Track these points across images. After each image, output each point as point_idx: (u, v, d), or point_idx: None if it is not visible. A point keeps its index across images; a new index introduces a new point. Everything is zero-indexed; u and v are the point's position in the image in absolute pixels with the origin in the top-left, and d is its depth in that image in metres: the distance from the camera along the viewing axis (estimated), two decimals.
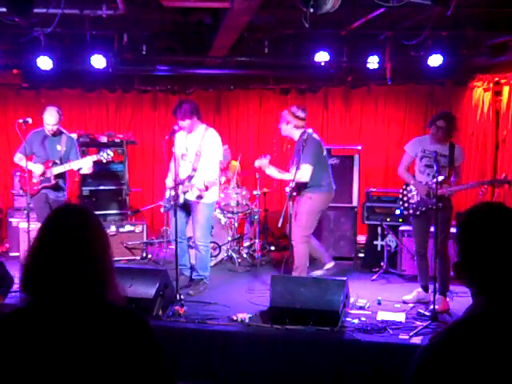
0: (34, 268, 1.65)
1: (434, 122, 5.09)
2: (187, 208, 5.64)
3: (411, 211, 5.27)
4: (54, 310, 1.61)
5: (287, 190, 5.49)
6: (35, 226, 5.85)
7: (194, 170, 5.54)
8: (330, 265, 5.90)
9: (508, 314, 1.45)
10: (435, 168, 4.83)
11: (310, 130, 5.59)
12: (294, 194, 5.60)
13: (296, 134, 5.60)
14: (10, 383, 1.55)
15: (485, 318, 1.46)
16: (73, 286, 1.62)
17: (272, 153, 8.58)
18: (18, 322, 1.62)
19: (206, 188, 5.39)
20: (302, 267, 5.57)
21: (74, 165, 5.88)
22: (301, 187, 5.59)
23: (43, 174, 5.78)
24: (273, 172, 5.67)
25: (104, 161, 6.04)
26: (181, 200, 5.43)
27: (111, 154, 6.02)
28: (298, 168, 5.39)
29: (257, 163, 5.68)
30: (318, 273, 5.83)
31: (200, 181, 5.43)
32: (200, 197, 5.50)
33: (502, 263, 1.48)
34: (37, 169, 5.77)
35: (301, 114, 5.57)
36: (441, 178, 4.92)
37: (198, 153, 5.52)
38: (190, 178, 5.53)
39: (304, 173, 5.42)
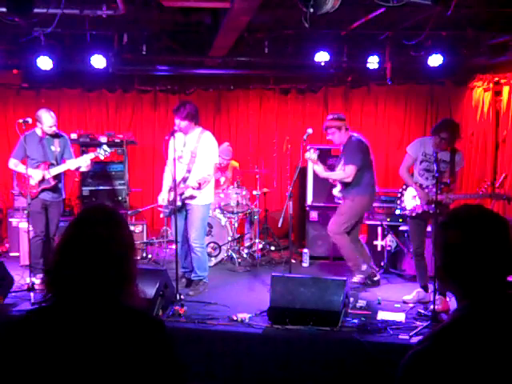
0: (58, 265, 1.66)
1: (438, 133, 5.06)
2: (185, 211, 5.64)
3: (408, 212, 5.29)
4: (71, 310, 1.62)
5: (335, 192, 5.91)
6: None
7: (189, 171, 5.56)
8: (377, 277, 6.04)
9: (491, 317, 1.45)
10: (435, 169, 4.83)
11: (355, 133, 5.84)
12: (341, 195, 5.88)
13: (346, 137, 5.79)
14: (23, 381, 1.56)
15: (468, 321, 1.46)
16: (93, 287, 1.62)
17: (272, 153, 8.63)
18: (35, 321, 1.63)
19: (199, 185, 5.38)
20: (353, 257, 5.82)
21: (71, 164, 5.84)
22: (345, 189, 5.80)
23: (43, 178, 5.72)
24: (320, 170, 5.84)
25: (102, 157, 5.95)
26: (178, 203, 5.43)
27: (108, 149, 5.92)
28: (343, 169, 5.67)
29: (307, 155, 5.72)
30: (355, 278, 5.91)
31: (193, 181, 5.44)
32: (193, 197, 5.50)
33: (482, 266, 1.48)
34: (36, 175, 5.69)
35: (342, 115, 5.86)
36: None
37: (194, 154, 5.53)
38: (184, 179, 5.54)
39: (348, 173, 5.64)
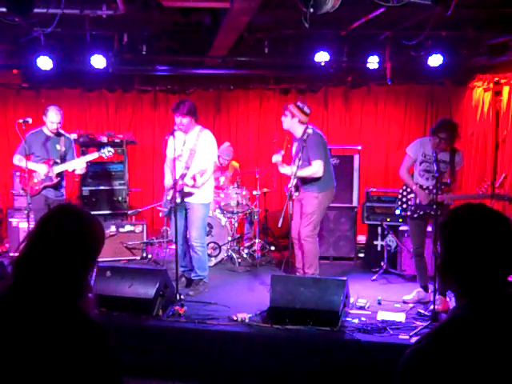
0: (20, 258, 1.70)
1: (436, 134, 5.05)
2: (185, 210, 5.64)
3: (409, 213, 5.29)
4: (18, 303, 1.63)
5: (290, 186, 5.54)
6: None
7: (187, 168, 5.55)
8: None
9: (491, 316, 1.45)
10: (435, 169, 4.84)
11: (310, 127, 5.60)
12: (296, 192, 5.64)
13: (299, 130, 5.57)
14: None
15: (467, 320, 1.46)
16: (42, 284, 1.64)
17: (272, 153, 8.62)
18: None
19: (194, 180, 5.38)
20: (315, 264, 5.63)
21: (69, 165, 5.93)
22: (303, 184, 5.60)
23: (47, 173, 5.81)
24: (287, 171, 5.64)
25: (105, 157, 6.10)
26: (178, 200, 5.43)
27: (112, 150, 6.08)
28: (309, 164, 5.46)
29: (274, 158, 5.67)
30: None
31: (188, 178, 5.44)
32: (191, 194, 5.50)
33: (483, 264, 1.49)
34: (41, 168, 5.80)
35: (307, 109, 5.61)
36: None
37: (193, 151, 5.53)
38: (183, 176, 5.54)
39: (317, 168, 5.44)
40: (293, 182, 5.59)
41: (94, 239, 1.75)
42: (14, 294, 1.66)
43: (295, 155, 5.66)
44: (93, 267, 1.77)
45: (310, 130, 5.51)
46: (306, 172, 5.51)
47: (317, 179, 5.49)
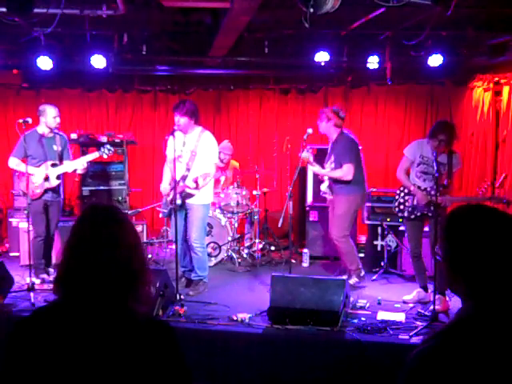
0: (65, 265, 1.66)
1: (435, 136, 5.07)
2: (185, 210, 5.64)
3: (406, 214, 5.30)
4: (78, 310, 1.61)
5: (323, 188, 5.84)
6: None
7: (188, 169, 5.55)
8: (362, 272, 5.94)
9: (498, 316, 1.45)
10: (435, 169, 4.84)
11: (345, 131, 5.82)
12: (328, 191, 5.82)
13: (334, 133, 5.77)
14: (29, 380, 1.56)
15: (474, 321, 1.45)
16: (100, 288, 1.62)
17: (272, 153, 8.63)
18: (42, 319, 1.63)
19: (196, 183, 5.38)
20: (356, 260, 5.83)
21: (68, 166, 5.88)
22: (336, 186, 5.74)
23: (46, 178, 5.74)
24: (317, 169, 5.84)
25: (105, 156, 6.04)
26: (178, 201, 5.42)
27: (112, 149, 6.02)
28: (340, 166, 5.63)
29: (303, 155, 5.74)
30: (352, 280, 5.77)
31: (190, 180, 5.45)
32: (190, 195, 5.50)
33: (487, 265, 1.48)
34: (39, 173, 5.72)
35: (342, 114, 5.80)
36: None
37: (194, 153, 5.53)
38: (184, 178, 5.54)
39: (348, 171, 5.61)
40: (326, 183, 5.84)
41: (134, 235, 1.74)
42: (70, 303, 1.63)
43: (328, 157, 5.86)
44: (143, 264, 1.72)
45: (343, 134, 5.75)
46: (335, 174, 5.70)
47: (347, 182, 5.65)
